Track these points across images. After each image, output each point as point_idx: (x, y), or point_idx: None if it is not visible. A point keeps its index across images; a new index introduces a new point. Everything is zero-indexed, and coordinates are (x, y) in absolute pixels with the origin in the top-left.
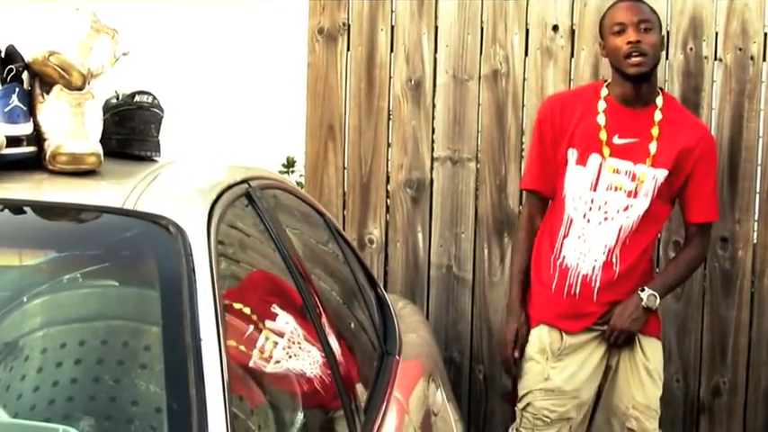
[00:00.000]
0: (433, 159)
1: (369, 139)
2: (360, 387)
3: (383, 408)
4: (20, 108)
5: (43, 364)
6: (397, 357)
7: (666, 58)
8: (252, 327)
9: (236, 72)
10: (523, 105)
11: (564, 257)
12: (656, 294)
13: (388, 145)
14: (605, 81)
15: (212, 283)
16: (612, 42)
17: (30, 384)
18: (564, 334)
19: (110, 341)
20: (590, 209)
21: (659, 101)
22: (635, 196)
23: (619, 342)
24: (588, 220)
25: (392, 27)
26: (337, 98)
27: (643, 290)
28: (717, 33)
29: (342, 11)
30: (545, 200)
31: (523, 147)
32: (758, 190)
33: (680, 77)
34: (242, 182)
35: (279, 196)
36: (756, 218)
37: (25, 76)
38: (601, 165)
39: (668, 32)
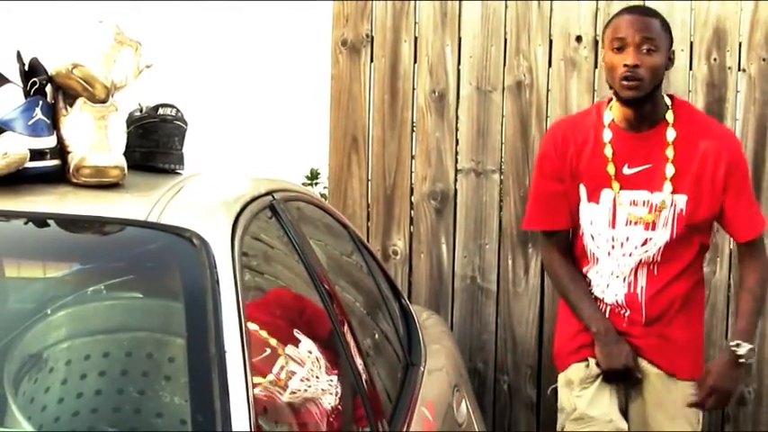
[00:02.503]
0: (456, 171)
1: (392, 151)
2: (384, 399)
3: (408, 419)
4: (43, 121)
5: (68, 376)
6: (421, 368)
7: (690, 68)
8: (270, 350)
9: (260, 84)
10: (547, 116)
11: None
12: (753, 346)
13: (412, 157)
14: (609, 100)
15: (236, 295)
16: (610, 59)
17: (54, 396)
18: (590, 361)
19: (134, 353)
20: (613, 247)
21: (670, 116)
22: (653, 228)
23: (717, 406)
24: (613, 258)
25: (415, 38)
26: (361, 110)
27: (738, 345)
28: (740, 44)
29: (365, 23)
30: (561, 233)
31: None
32: None
33: (704, 88)
34: (266, 194)
35: (303, 208)
36: None
37: (49, 89)
38: (614, 200)
39: (692, 43)
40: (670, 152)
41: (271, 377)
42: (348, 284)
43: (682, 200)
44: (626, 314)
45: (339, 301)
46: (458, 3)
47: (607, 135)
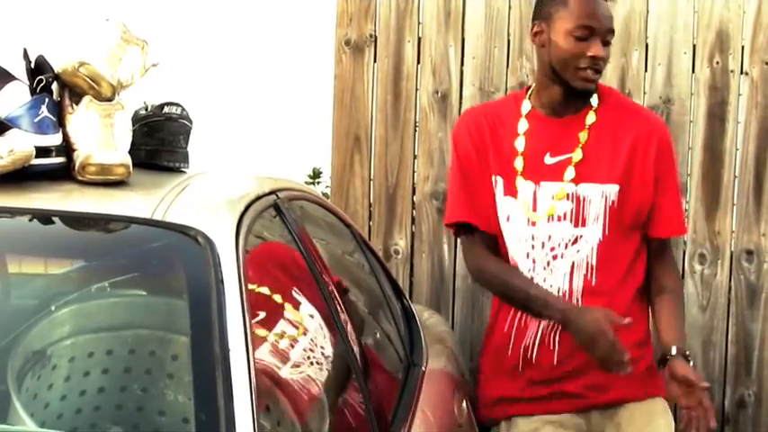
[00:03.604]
0: None
1: (395, 151)
2: (386, 399)
3: (409, 419)
4: (49, 119)
5: (71, 374)
6: (423, 368)
7: (693, 71)
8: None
9: (264, 83)
10: None
11: (516, 314)
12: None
13: (415, 156)
14: (528, 88)
15: (240, 293)
16: (569, 45)
17: (57, 393)
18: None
19: (138, 351)
20: (532, 247)
21: (594, 100)
22: (583, 224)
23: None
24: (533, 261)
25: (419, 39)
26: (364, 109)
27: (672, 354)
28: (743, 47)
29: (369, 22)
30: (483, 232)
31: None
32: None
33: (706, 91)
34: (270, 193)
35: (306, 207)
36: None
37: (55, 86)
38: (535, 192)
39: (694, 46)
40: (583, 136)
41: (271, 349)
42: (351, 283)
43: (613, 190)
44: (555, 340)
45: (342, 300)
46: (461, 3)
47: (522, 126)
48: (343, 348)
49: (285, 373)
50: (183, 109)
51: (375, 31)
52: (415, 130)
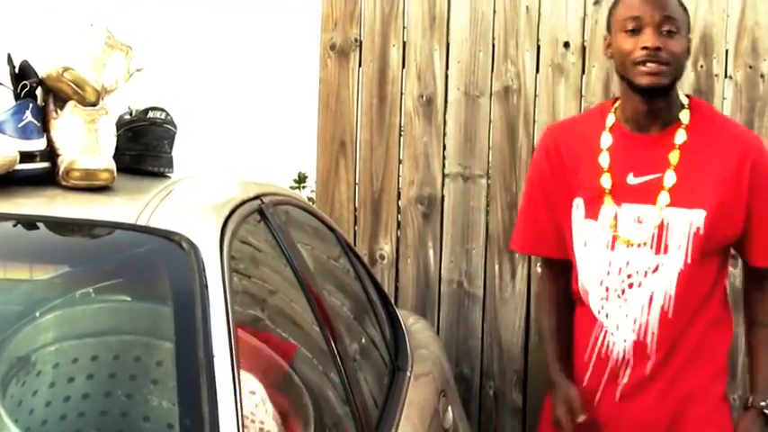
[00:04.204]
0: (444, 176)
1: (380, 156)
2: (370, 403)
3: (394, 424)
4: (33, 124)
5: (55, 379)
6: (408, 373)
7: None
8: None
9: (249, 87)
10: (534, 122)
11: (594, 341)
12: None
13: (400, 161)
14: (615, 100)
15: (225, 299)
16: (622, 43)
17: (41, 399)
18: None
19: (122, 356)
20: (608, 273)
21: (685, 116)
22: (665, 251)
23: None
24: (606, 288)
25: (404, 43)
26: (349, 114)
27: (747, 406)
28: (727, 51)
29: (354, 27)
30: (560, 261)
31: None
32: None
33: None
34: (254, 198)
35: (291, 212)
36: None
37: (39, 91)
38: (616, 215)
39: None
40: (674, 157)
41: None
42: (335, 288)
43: (699, 216)
44: (626, 373)
45: (326, 305)
46: (446, 8)
47: (606, 140)
48: (327, 353)
49: (269, 378)
50: (168, 114)
51: (360, 35)
52: (401, 135)
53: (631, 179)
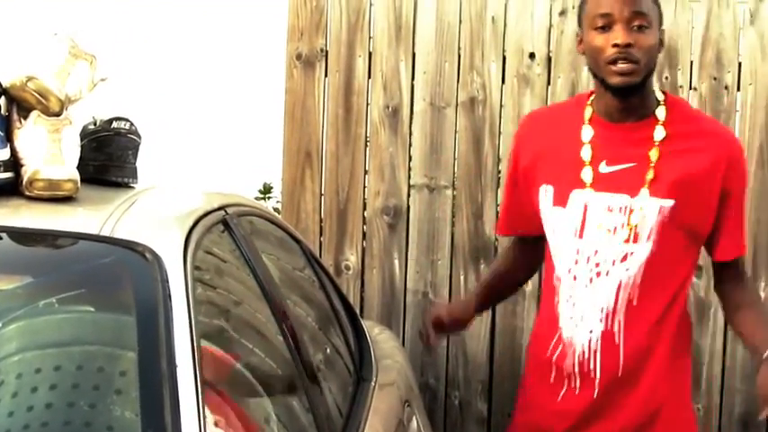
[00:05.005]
0: (409, 186)
1: (346, 166)
2: (335, 413)
3: None
4: None
5: (18, 389)
6: (372, 383)
7: None
8: None
9: (214, 97)
10: (500, 133)
11: (560, 331)
12: None
13: (365, 172)
14: (590, 94)
15: (188, 309)
16: (593, 40)
17: (4, 410)
18: None
19: (85, 367)
20: (576, 262)
21: (661, 112)
22: (635, 240)
23: None
24: (574, 277)
25: (370, 53)
26: (315, 124)
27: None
28: (692, 63)
29: (320, 37)
30: (532, 239)
31: (500, 174)
32: None
33: None
34: (219, 209)
35: (255, 223)
36: None
37: (2, 101)
38: (586, 204)
39: None
40: (654, 154)
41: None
42: (300, 299)
43: (667, 205)
44: (597, 372)
45: (290, 316)
46: (412, 18)
47: (587, 134)
48: (291, 364)
49: (233, 388)
50: (132, 124)
51: (326, 45)
52: (366, 145)
53: (603, 167)
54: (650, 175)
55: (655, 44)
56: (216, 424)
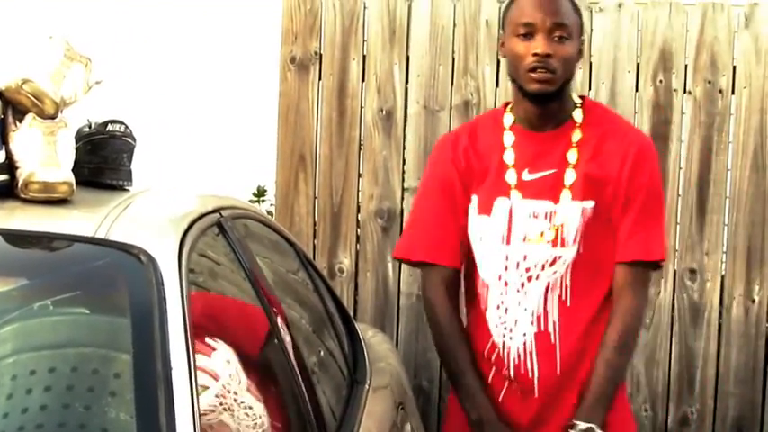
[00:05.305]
0: (403, 189)
1: (340, 169)
2: (329, 416)
3: None
4: None
5: (13, 391)
6: (366, 386)
7: (636, 90)
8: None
9: (209, 101)
10: None
11: (492, 336)
12: (593, 426)
13: (359, 175)
14: (506, 105)
15: (183, 312)
16: (515, 46)
17: None
18: None
19: (80, 368)
20: (506, 268)
21: (578, 116)
22: (562, 245)
23: None
24: (506, 283)
25: (364, 57)
26: (309, 127)
27: (573, 426)
28: (686, 66)
29: (314, 40)
30: (449, 269)
31: None
32: (726, 222)
33: (649, 110)
34: (213, 211)
35: (250, 225)
36: (724, 250)
37: None
38: (511, 210)
39: (638, 65)
40: (572, 156)
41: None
42: (294, 302)
43: (588, 206)
44: (534, 370)
45: (284, 319)
46: (406, 21)
47: (508, 139)
48: (285, 366)
49: (227, 391)
50: (127, 127)
51: (320, 48)
52: (360, 149)
53: (526, 175)
54: (570, 179)
55: (573, 54)
56: (211, 426)
